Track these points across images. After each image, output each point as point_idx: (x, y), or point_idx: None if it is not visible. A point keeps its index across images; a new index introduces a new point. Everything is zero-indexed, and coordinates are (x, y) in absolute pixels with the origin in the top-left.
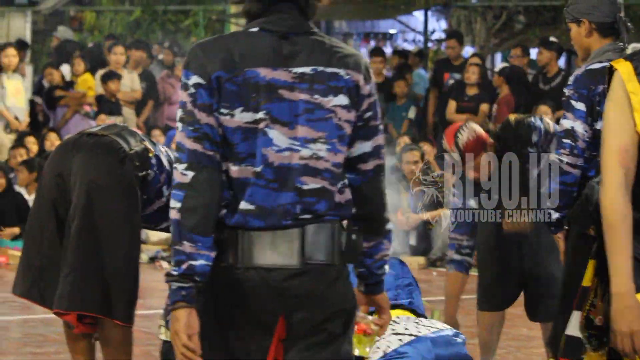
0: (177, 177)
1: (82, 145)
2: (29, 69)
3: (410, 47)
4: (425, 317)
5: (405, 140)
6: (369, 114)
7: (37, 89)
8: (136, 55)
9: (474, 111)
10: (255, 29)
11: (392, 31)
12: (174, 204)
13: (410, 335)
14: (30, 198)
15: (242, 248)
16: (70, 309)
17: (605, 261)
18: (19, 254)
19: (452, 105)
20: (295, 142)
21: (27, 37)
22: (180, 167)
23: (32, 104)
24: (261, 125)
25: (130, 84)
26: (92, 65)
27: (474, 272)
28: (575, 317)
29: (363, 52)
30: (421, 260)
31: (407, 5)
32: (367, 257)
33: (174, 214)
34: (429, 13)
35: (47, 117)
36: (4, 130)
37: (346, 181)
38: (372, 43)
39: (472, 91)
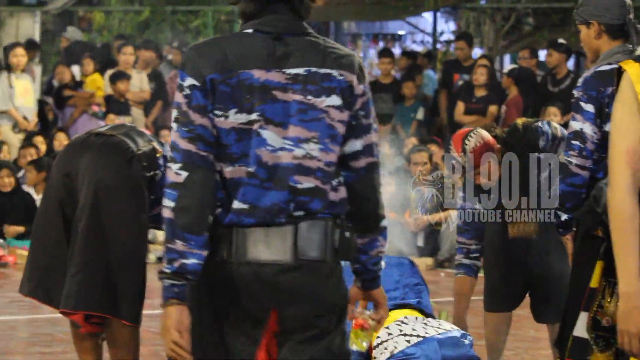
0: (171, 176)
1: (90, 145)
2: (37, 69)
3: (418, 48)
4: (434, 317)
5: (413, 141)
6: (361, 113)
7: (47, 88)
8: (145, 56)
9: (482, 112)
10: (249, 31)
11: (400, 32)
12: (167, 203)
13: (418, 336)
14: (38, 198)
15: (235, 244)
16: (77, 309)
17: (614, 262)
18: (26, 253)
19: (460, 106)
20: (289, 142)
21: (36, 37)
22: (175, 166)
23: (41, 103)
24: (255, 126)
25: (139, 84)
26: (101, 66)
27: (481, 274)
28: (583, 319)
29: (372, 53)
30: (429, 261)
31: (416, 7)
32: (362, 253)
33: (167, 213)
34: (438, 14)
35: (57, 117)
36: (13, 130)
37: (341, 179)
38: (381, 44)
39: (480, 92)
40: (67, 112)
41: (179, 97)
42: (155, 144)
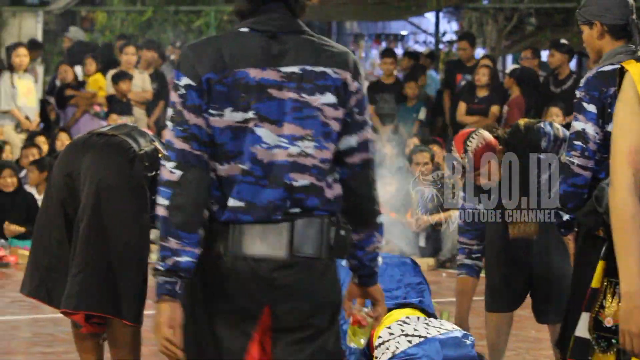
0: (166, 174)
1: (92, 145)
2: (40, 69)
3: (421, 48)
4: (435, 317)
5: (415, 141)
6: (356, 110)
7: (50, 88)
8: (147, 56)
9: (484, 113)
10: (245, 29)
11: (403, 32)
12: (162, 201)
13: (420, 336)
14: (40, 198)
15: (232, 239)
16: (78, 309)
17: (615, 263)
18: (28, 253)
19: (462, 107)
20: (284, 139)
21: (38, 37)
22: (169, 165)
23: (44, 103)
24: (250, 124)
25: (141, 84)
26: (103, 66)
27: (482, 274)
28: (584, 319)
29: (374, 53)
30: (430, 261)
31: (418, 7)
32: (359, 249)
33: (161, 211)
34: (440, 14)
35: (59, 117)
36: (15, 130)
37: (336, 176)
38: (384, 44)
39: (482, 93)
40: (68, 112)
41: (174, 97)
42: (157, 144)
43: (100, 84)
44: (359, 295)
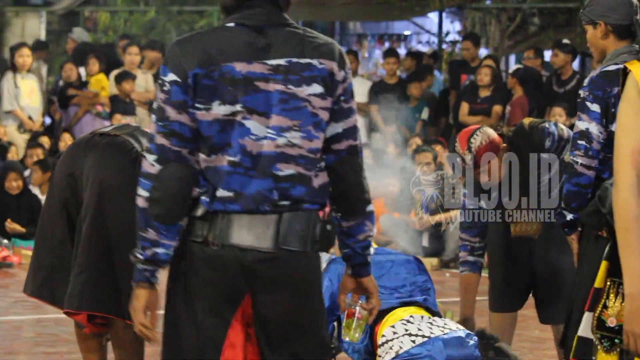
0: (146, 167)
1: (95, 145)
2: (43, 69)
3: (424, 48)
4: (439, 316)
5: (417, 141)
6: (342, 97)
7: (55, 88)
8: (151, 56)
9: (486, 113)
10: (231, 24)
11: (406, 33)
12: (141, 192)
13: (423, 336)
14: (43, 198)
15: (220, 227)
16: (81, 309)
17: (619, 263)
18: (31, 253)
19: (464, 107)
20: (271, 131)
21: (42, 37)
22: (150, 158)
23: (49, 103)
24: (238, 117)
25: (144, 84)
26: (106, 66)
27: (485, 274)
28: (587, 319)
29: (377, 53)
30: (434, 261)
31: (421, 7)
32: (349, 237)
33: (141, 202)
34: (444, 15)
35: (62, 117)
36: (18, 130)
37: (322, 164)
38: (387, 44)
39: (484, 93)
40: (70, 112)
41: (159, 92)
42: None
43: (103, 84)
44: (353, 288)
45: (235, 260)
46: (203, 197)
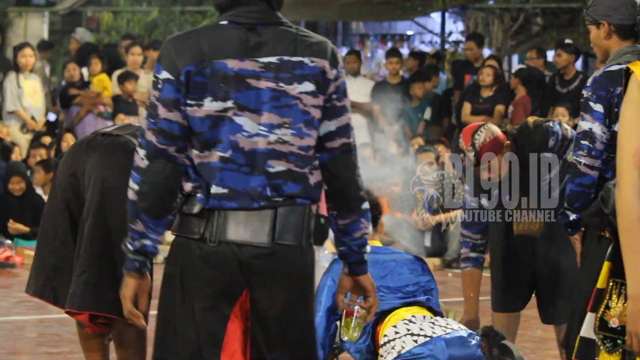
0: (137, 160)
1: (97, 145)
2: (46, 69)
3: (427, 48)
4: (442, 316)
5: (419, 141)
6: (335, 96)
7: (58, 88)
8: (153, 56)
9: (489, 113)
10: (224, 22)
11: (409, 33)
12: (132, 184)
13: (425, 336)
14: (46, 198)
15: (216, 224)
16: (83, 309)
17: (621, 263)
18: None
19: (467, 107)
20: (263, 128)
21: (44, 37)
22: (141, 152)
23: (54, 103)
24: (229, 113)
25: (147, 84)
26: (109, 66)
27: (487, 274)
28: (590, 319)
29: (380, 53)
30: (436, 261)
31: (424, 7)
32: (345, 234)
33: (130, 194)
34: (446, 15)
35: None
36: (21, 130)
37: (316, 162)
38: (389, 44)
39: (487, 93)
40: (72, 112)
41: (152, 89)
42: None
43: (105, 84)
44: (351, 287)
45: (233, 256)
46: (198, 195)
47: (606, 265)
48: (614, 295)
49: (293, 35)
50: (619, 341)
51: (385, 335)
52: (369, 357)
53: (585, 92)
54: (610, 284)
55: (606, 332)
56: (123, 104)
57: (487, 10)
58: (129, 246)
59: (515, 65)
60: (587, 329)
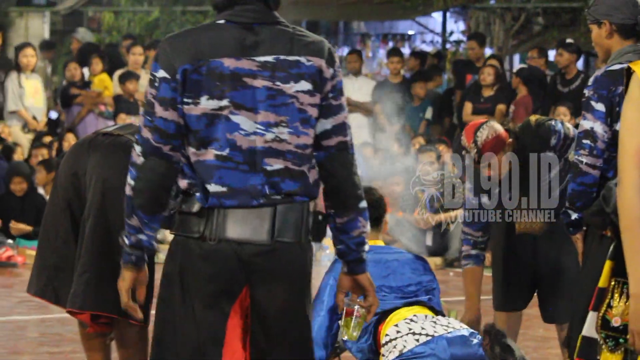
0: (134, 156)
1: (98, 145)
2: (48, 69)
3: (428, 48)
4: (443, 315)
5: (420, 141)
6: (331, 94)
7: (59, 87)
8: None
9: (490, 113)
10: (221, 21)
11: (410, 32)
12: (129, 180)
13: (427, 335)
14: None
15: (216, 222)
16: (84, 309)
17: (623, 262)
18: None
19: (468, 107)
20: (260, 126)
21: (46, 37)
22: (137, 148)
23: (57, 103)
24: (225, 112)
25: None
26: (110, 66)
27: (488, 273)
28: (591, 318)
29: (381, 53)
30: (438, 261)
31: (425, 7)
32: (343, 233)
33: (127, 190)
34: (448, 14)
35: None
36: (22, 130)
37: (314, 161)
38: (391, 44)
39: (488, 92)
40: (73, 111)
41: (149, 87)
42: None
43: (106, 84)
44: (350, 286)
45: (233, 254)
46: (197, 194)
47: (608, 264)
48: (616, 294)
49: (290, 34)
50: (621, 340)
51: (386, 335)
52: (370, 356)
53: (586, 92)
54: (612, 283)
55: (608, 331)
56: (124, 103)
57: (489, 10)
58: (126, 240)
59: (517, 65)
60: (589, 328)
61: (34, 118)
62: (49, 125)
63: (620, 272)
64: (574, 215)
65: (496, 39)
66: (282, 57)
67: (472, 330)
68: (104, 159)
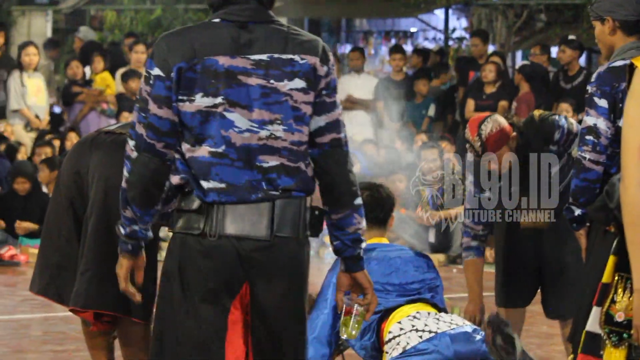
0: (128, 150)
1: (100, 143)
2: (51, 68)
3: (430, 45)
4: (446, 312)
5: (422, 138)
6: (324, 92)
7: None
8: None
9: (492, 109)
10: (216, 20)
11: (412, 29)
12: (125, 172)
13: (430, 332)
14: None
15: (216, 218)
16: (87, 307)
17: (627, 257)
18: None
19: (470, 103)
20: (254, 124)
21: (48, 36)
22: (130, 142)
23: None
24: (220, 109)
25: None
26: (112, 64)
27: (491, 269)
28: (595, 313)
29: (383, 50)
30: (441, 257)
31: (427, 4)
32: (338, 229)
33: (123, 182)
34: (450, 11)
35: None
36: (25, 129)
37: (309, 158)
38: (393, 41)
39: (490, 89)
40: (75, 109)
41: (143, 83)
42: None
43: (108, 82)
44: (349, 285)
45: (233, 250)
46: (195, 190)
47: (611, 260)
48: (620, 290)
49: (284, 33)
50: (624, 335)
51: (390, 332)
52: (373, 354)
53: (589, 88)
54: (616, 278)
55: (612, 326)
56: (127, 102)
57: (491, 7)
58: (122, 230)
59: (519, 62)
60: (593, 323)
61: (37, 116)
62: (52, 120)
63: (623, 267)
64: (578, 211)
65: (498, 36)
66: (276, 55)
67: (475, 327)
68: (106, 157)
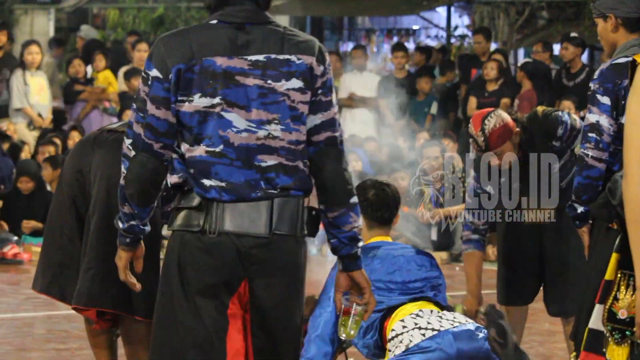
0: (124, 148)
1: (102, 142)
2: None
3: (433, 43)
4: (449, 310)
5: (424, 135)
6: (321, 91)
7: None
8: None
9: (495, 107)
10: (214, 21)
11: (415, 27)
12: (123, 170)
13: (433, 329)
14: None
15: (215, 215)
16: (90, 305)
17: (629, 255)
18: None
19: (472, 101)
20: (252, 124)
21: (51, 34)
22: (127, 141)
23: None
24: (218, 109)
25: None
26: (114, 62)
27: (494, 267)
28: (598, 311)
29: (386, 48)
30: (443, 255)
31: (430, 1)
32: (334, 227)
33: (121, 179)
34: (452, 9)
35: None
36: (28, 128)
37: (306, 157)
38: (395, 39)
39: (492, 87)
40: (77, 107)
41: (142, 84)
42: None
43: (110, 80)
44: (347, 285)
45: (232, 247)
46: (194, 187)
47: (614, 257)
48: (622, 287)
49: (281, 34)
50: (627, 332)
51: (392, 330)
52: (376, 352)
53: (592, 85)
54: (619, 275)
55: (614, 324)
56: (130, 100)
57: (493, 4)
58: (120, 224)
59: (521, 59)
60: (596, 320)
61: (39, 115)
62: (55, 117)
63: (626, 264)
64: (580, 209)
65: (501, 33)
66: (273, 56)
67: (478, 325)
68: (108, 155)
